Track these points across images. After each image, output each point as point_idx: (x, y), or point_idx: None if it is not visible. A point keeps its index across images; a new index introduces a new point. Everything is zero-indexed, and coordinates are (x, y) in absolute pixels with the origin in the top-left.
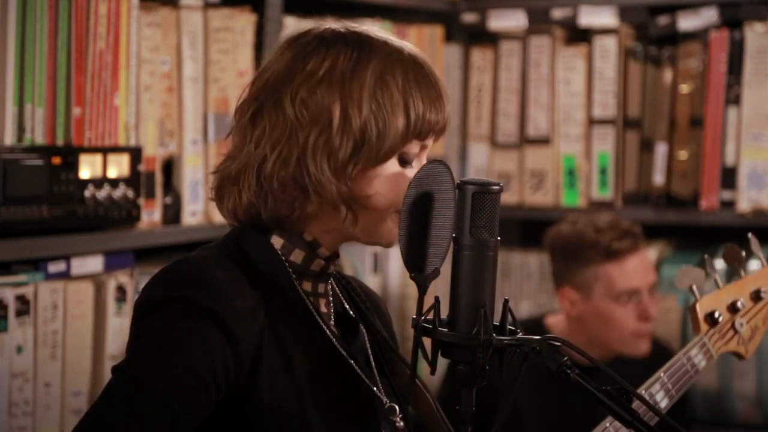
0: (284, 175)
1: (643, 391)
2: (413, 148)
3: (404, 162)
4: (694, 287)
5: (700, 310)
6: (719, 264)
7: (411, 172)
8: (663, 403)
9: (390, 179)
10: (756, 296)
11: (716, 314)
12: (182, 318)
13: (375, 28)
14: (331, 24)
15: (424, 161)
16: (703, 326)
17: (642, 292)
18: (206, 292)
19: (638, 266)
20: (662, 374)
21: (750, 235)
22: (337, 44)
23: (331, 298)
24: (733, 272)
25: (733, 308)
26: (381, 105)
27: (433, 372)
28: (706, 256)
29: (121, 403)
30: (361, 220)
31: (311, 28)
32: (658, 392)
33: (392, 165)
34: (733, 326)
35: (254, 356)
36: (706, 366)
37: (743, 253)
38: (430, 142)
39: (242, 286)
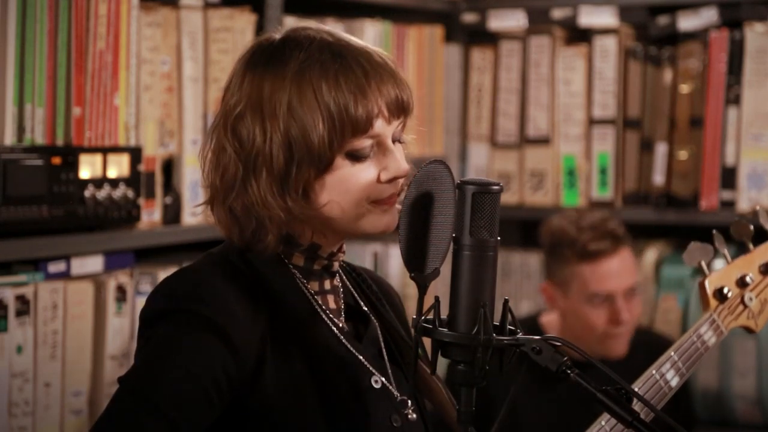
0: (235, 205)
1: (654, 372)
2: (360, 143)
3: (358, 158)
4: (703, 263)
5: (709, 287)
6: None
7: (367, 165)
8: (673, 381)
9: (341, 182)
10: (765, 269)
11: (725, 290)
12: (183, 328)
13: (322, 26)
14: (275, 33)
15: (390, 146)
16: (713, 302)
17: (616, 296)
18: (206, 303)
19: (614, 269)
20: (672, 353)
21: (758, 207)
22: (261, 59)
23: (341, 293)
24: (742, 248)
25: (742, 283)
26: (298, 113)
27: (433, 372)
28: (714, 231)
29: (124, 416)
30: (334, 226)
31: (257, 43)
32: (668, 371)
33: (343, 167)
34: (742, 301)
35: (256, 362)
36: (717, 342)
37: (752, 227)
38: (382, 128)
39: (242, 293)
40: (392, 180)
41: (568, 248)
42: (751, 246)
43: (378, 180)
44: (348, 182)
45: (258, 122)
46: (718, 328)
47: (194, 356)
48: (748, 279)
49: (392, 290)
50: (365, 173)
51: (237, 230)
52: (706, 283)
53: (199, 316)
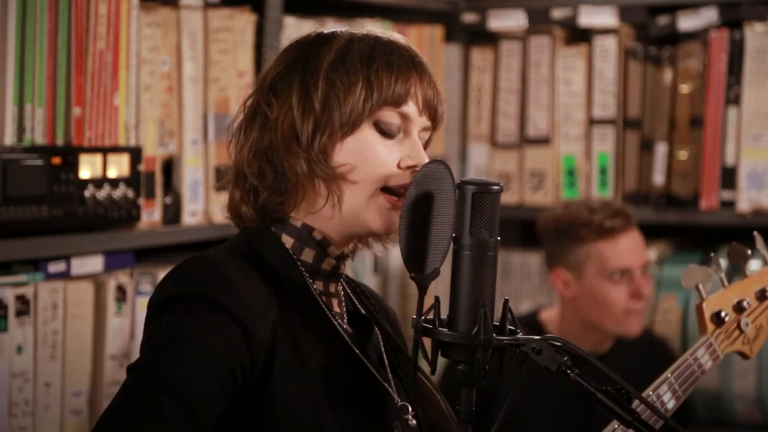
0: (258, 159)
1: (651, 393)
2: (389, 116)
3: (384, 133)
4: (701, 286)
5: (707, 310)
6: (724, 263)
7: (390, 144)
8: (670, 404)
9: (362, 149)
10: (761, 295)
11: (722, 314)
12: (197, 314)
13: (371, 27)
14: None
15: (416, 136)
16: (710, 326)
17: (634, 271)
18: (219, 289)
19: (630, 245)
20: (669, 375)
21: (755, 233)
22: (308, 39)
23: (343, 298)
24: (738, 271)
25: (738, 308)
26: (339, 73)
27: (433, 372)
28: (712, 254)
29: (140, 401)
30: (344, 199)
31: (310, 32)
32: (665, 393)
33: (368, 135)
34: (738, 326)
35: (268, 351)
36: (713, 366)
37: (748, 252)
38: (413, 113)
39: (255, 283)
40: (411, 168)
41: (584, 228)
42: (747, 271)
43: (398, 165)
44: (368, 151)
45: (297, 78)
46: (714, 352)
47: (208, 341)
48: (744, 304)
49: (389, 307)
50: (387, 151)
51: (256, 184)
52: (704, 306)
53: (213, 301)
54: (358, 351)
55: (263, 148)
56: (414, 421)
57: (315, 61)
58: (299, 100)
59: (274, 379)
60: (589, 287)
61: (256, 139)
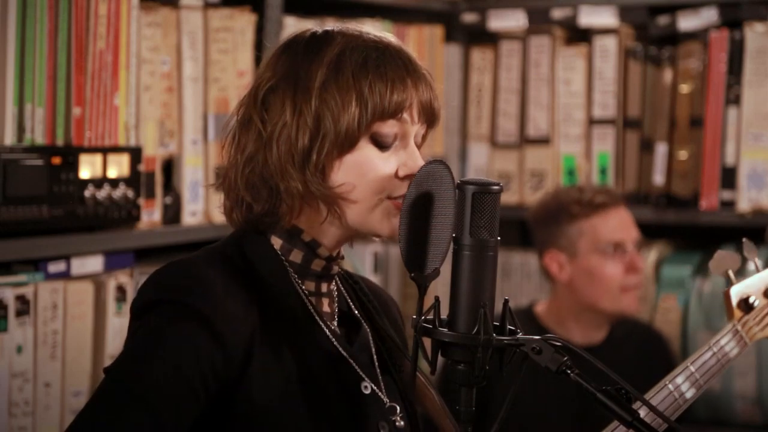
0: (252, 176)
1: (667, 382)
2: (386, 128)
3: (381, 145)
4: (731, 272)
5: (734, 296)
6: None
7: (387, 155)
8: (689, 393)
9: (360, 165)
10: None
11: (751, 299)
12: (171, 320)
13: (366, 26)
14: (322, 26)
15: (412, 144)
16: (737, 312)
17: (627, 245)
18: (196, 294)
19: (621, 220)
20: (689, 364)
21: (744, 240)
22: (301, 43)
23: (336, 297)
24: (725, 280)
25: None
26: (332, 91)
27: (433, 372)
28: (744, 239)
29: (108, 407)
30: (346, 214)
31: (296, 33)
32: (683, 382)
33: (366, 150)
34: None
35: (244, 358)
36: (739, 353)
37: (738, 259)
38: (409, 122)
39: (235, 288)
40: (408, 177)
41: (575, 205)
42: (734, 278)
43: (396, 175)
44: (366, 166)
45: (290, 95)
46: (741, 339)
47: (180, 349)
48: None
49: (391, 301)
50: (384, 163)
51: (250, 201)
52: (731, 292)
53: (187, 307)
54: (345, 353)
55: (258, 166)
56: (402, 422)
57: (307, 77)
58: (293, 119)
59: (250, 384)
60: (584, 265)
61: (251, 155)
